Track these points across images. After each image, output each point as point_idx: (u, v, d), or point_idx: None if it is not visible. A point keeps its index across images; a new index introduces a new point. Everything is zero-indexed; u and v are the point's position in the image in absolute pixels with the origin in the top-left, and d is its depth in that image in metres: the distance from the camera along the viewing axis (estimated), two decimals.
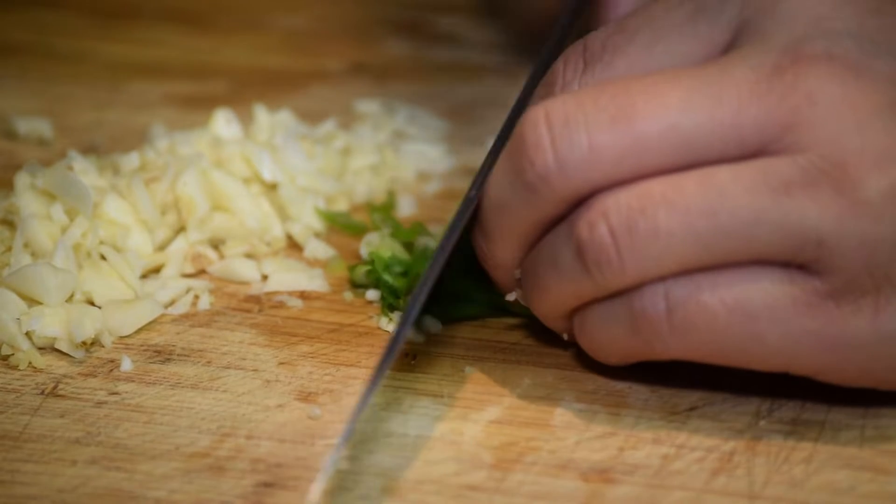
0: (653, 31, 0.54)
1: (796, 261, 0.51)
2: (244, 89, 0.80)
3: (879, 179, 0.50)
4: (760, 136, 0.51)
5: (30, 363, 0.59)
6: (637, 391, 0.57)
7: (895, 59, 0.52)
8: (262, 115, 0.72)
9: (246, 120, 0.72)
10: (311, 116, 0.75)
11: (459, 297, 0.61)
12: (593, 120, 0.52)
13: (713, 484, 0.53)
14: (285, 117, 0.73)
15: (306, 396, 0.57)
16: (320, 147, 0.70)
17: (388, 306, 0.62)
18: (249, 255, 0.66)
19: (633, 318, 0.53)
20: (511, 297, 0.58)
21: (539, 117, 0.53)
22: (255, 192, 0.67)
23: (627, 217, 0.51)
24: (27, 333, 0.60)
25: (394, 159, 0.72)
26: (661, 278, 0.52)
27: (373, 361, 0.59)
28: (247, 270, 0.65)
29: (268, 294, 0.64)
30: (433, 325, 0.60)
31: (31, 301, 0.60)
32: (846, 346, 0.52)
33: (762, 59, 0.52)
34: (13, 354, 0.59)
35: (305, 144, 0.69)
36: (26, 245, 0.62)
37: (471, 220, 0.57)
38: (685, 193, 0.51)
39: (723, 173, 0.51)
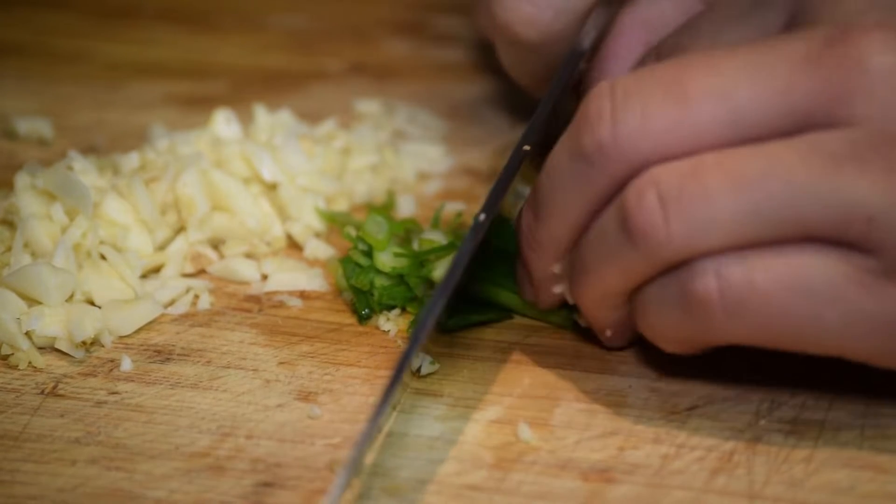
0: (715, 25, 0.55)
1: (846, 238, 0.50)
2: (244, 89, 0.80)
3: None
4: (812, 107, 0.51)
5: (30, 363, 0.59)
6: (637, 391, 0.57)
7: None
8: (262, 115, 0.72)
9: (246, 120, 0.72)
10: (311, 116, 0.75)
11: (486, 302, 0.61)
12: (648, 91, 0.52)
13: (713, 483, 0.53)
14: (285, 117, 0.73)
15: (306, 396, 0.57)
16: (320, 147, 0.70)
17: (360, 311, 0.62)
18: (249, 255, 0.66)
19: (686, 300, 0.52)
20: (557, 289, 0.57)
21: (604, 90, 0.53)
22: (255, 192, 0.67)
23: (679, 182, 0.51)
24: (27, 333, 0.60)
25: (394, 159, 0.72)
26: (711, 253, 0.51)
27: (373, 361, 0.59)
28: (247, 270, 0.65)
29: (268, 294, 0.64)
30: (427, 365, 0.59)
31: (31, 301, 0.61)
32: None
33: (815, 32, 0.52)
34: (13, 354, 0.59)
35: (305, 144, 0.69)
36: (26, 245, 0.62)
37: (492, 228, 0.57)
38: (738, 161, 0.51)
39: (775, 146, 0.51)
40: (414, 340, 0.54)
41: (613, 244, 0.53)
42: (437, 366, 0.58)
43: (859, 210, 0.50)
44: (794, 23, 0.54)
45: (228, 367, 0.59)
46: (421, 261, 0.62)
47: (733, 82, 0.51)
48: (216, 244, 0.66)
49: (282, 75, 0.82)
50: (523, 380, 0.58)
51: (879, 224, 0.50)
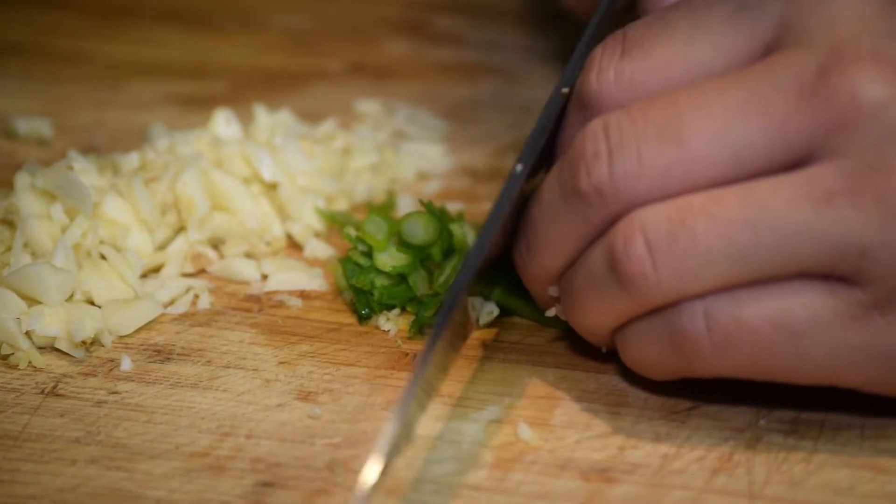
0: (694, 23, 0.54)
1: (837, 272, 0.50)
2: (244, 89, 0.80)
3: None
4: (807, 141, 0.51)
5: (30, 363, 0.59)
6: (637, 390, 0.57)
7: None
8: (261, 115, 0.72)
9: (246, 120, 0.72)
10: (310, 116, 0.75)
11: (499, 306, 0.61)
12: (642, 132, 0.52)
13: (713, 483, 0.53)
14: (285, 117, 0.73)
15: (306, 396, 0.57)
16: (320, 147, 0.70)
17: (360, 311, 0.62)
18: (249, 255, 0.66)
19: (673, 338, 0.52)
20: (551, 313, 0.58)
21: (598, 129, 0.53)
22: (255, 192, 0.67)
23: (666, 230, 0.51)
24: (27, 333, 0.60)
25: (394, 159, 0.72)
26: (699, 295, 0.52)
27: (373, 361, 0.59)
28: (247, 270, 0.65)
29: (268, 294, 0.64)
30: (486, 311, 0.59)
31: (31, 301, 0.60)
32: (893, 357, 0.51)
33: (807, 61, 0.51)
34: (13, 354, 0.59)
35: (305, 144, 0.69)
36: (26, 245, 0.62)
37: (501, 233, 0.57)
38: (725, 206, 0.51)
39: (764, 186, 0.51)
40: (454, 295, 0.54)
41: (601, 284, 0.53)
42: (495, 313, 0.59)
43: (852, 244, 0.50)
44: (781, 40, 0.53)
45: (228, 367, 0.59)
46: (421, 260, 0.62)
47: (727, 122, 0.51)
48: (216, 244, 0.66)
49: (282, 75, 0.82)
50: (523, 380, 0.58)
51: (872, 257, 0.50)
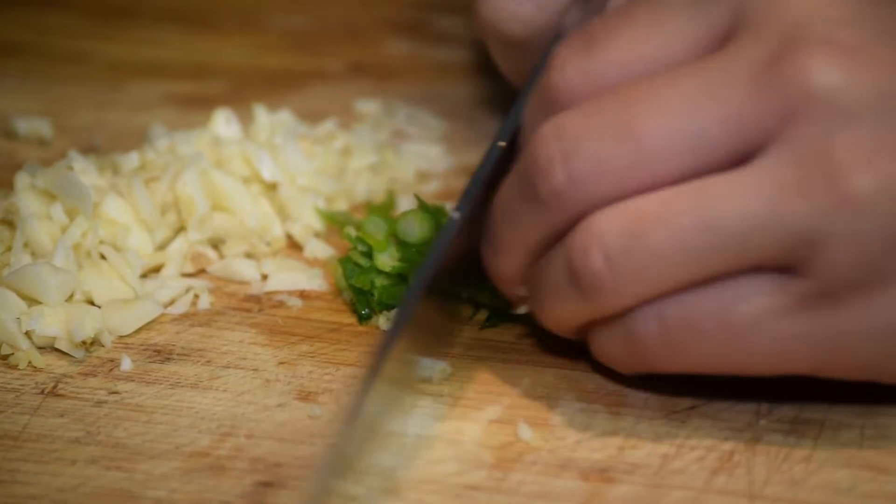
0: (652, 16, 0.54)
1: (788, 264, 0.51)
2: (244, 89, 0.80)
3: (868, 173, 0.50)
4: (762, 130, 0.51)
5: (29, 363, 0.59)
6: (637, 390, 0.57)
7: (893, 47, 0.51)
8: (261, 115, 0.72)
9: (246, 120, 0.72)
10: (310, 116, 0.75)
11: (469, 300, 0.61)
12: (598, 133, 0.52)
13: (713, 483, 0.53)
14: (285, 117, 0.73)
15: (306, 396, 0.57)
16: (320, 147, 0.70)
17: (360, 311, 0.62)
18: (249, 255, 0.66)
19: (629, 340, 0.53)
20: (521, 310, 0.58)
21: (549, 133, 0.53)
22: (255, 192, 0.67)
23: (623, 242, 0.51)
24: (27, 333, 0.60)
25: (393, 159, 0.72)
26: (654, 299, 0.52)
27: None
28: (247, 270, 0.65)
29: (268, 294, 0.64)
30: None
31: (31, 301, 0.61)
32: (838, 344, 0.52)
33: (759, 49, 0.51)
34: (13, 354, 0.59)
35: (305, 144, 0.69)
36: (26, 245, 0.62)
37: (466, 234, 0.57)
38: (679, 211, 0.51)
39: (717, 186, 0.51)
40: (391, 335, 0.54)
41: (564, 292, 0.54)
42: (448, 371, 0.58)
43: (802, 235, 0.50)
44: (736, 28, 0.53)
45: (228, 367, 0.59)
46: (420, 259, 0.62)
47: (682, 115, 0.51)
48: (216, 244, 0.66)
49: (282, 75, 0.82)
50: (523, 380, 0.58)
51: (819, 246, 0.50)
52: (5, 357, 0.60)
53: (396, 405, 0.56)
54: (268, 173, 0.67)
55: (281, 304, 0.63)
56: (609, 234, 0.52)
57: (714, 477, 0.53)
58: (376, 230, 0.63)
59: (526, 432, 0.55)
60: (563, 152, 0.52)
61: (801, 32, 0.51)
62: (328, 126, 0.73)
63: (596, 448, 0.54)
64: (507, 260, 0.56)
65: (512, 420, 0.56)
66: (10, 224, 0.64)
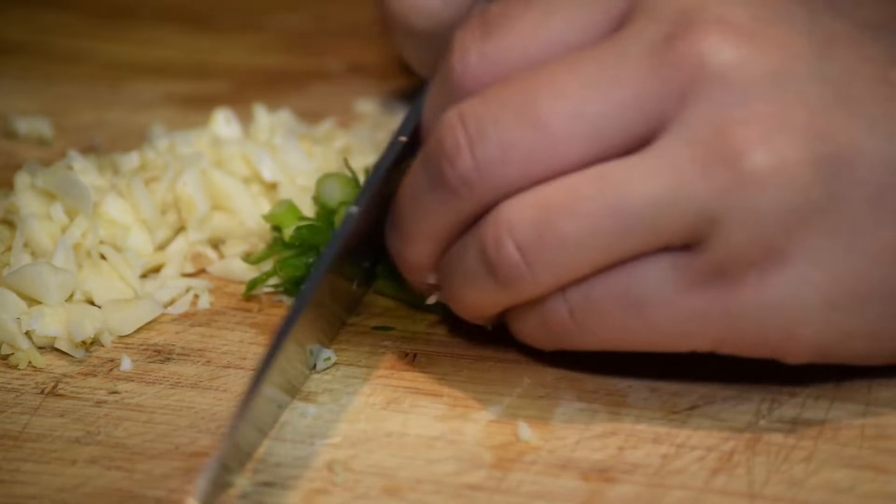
0: (549, 0, 0.54)
1: (690, 241, 0.52)
2: (244, 89, 0.80)
3: (763, 150, 0.50)
4: (660, 110, 0.51)
5: (29, 363, 0.59)
6: (637, 390, 0.57)
7: (786, 28, 0.52)
8: (261, 115, 0.72)
9: (246, 120, 0.72)
10: (310, 116, 0.75)
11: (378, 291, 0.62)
12: (501, 118, 0.52)
13: (713, 483, 0.53)
14: (285, 117, 0.73)
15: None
16: (320, 147, 0.70)
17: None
18: (249, 255, 0.66)
19: (543, 322, 0.54)
20: (432, 300, 0.58)
21: (454, 119, 0.53)
22: (255, 192, 0.67)
23: (533, 231, 0.52)
24: (27, 333, 0.60)
25: None
26: (567, 285, 0.53)
27: (373, 361, 0.59)
28: (247, 270, 0.65)
29: (268, 294, 0.64)
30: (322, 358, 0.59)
31: (31, 301, 0.61)
32: (735, 319, 0.52)
33: (655, 30, 0.52)
34: (13, 354, 0.59)
35: (305, 144, 0.69)
36: (26, 245, 0.62)
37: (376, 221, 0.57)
38: (584, 198, 0.51)
39: (618, 170, 0.51)
40: (281, 332, 0.54)
41: (479, 281, 0.54)
42: (332, 360, 0.58)
43: (702, 212, 0.51)
44: (632, 10, 0.53)
45: (228, 367, 0.59)
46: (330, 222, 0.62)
47: (583, 98, 0.52)
48: (216, 244, 0.66)
49: (282, 75, 0.82)
50: (523, 380, 0.58)
51: (717, 222, 0.51)
52: (5, 357, 0.60)
53: (287, 394, 0.56)
54: (268, 173, 0.67)
55: (281, 305, 0.63)
56: (519, 224, 0.52)
57: (714, 477, 0.53)
58: (330, 194, 0.64)
59: (526, 432, 0.55)
60: (469, 138, 0.53)
61: (695, 13, 0.52)
62: (327, 126, 0.73)
63: (596, 448, 0.54)
64: (415, 249, 0.56)
65: (512, 420, 0.56)
66: (10, 224, 0.64)
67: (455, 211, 0.54)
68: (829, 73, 0.52)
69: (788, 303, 0.52)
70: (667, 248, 0.52)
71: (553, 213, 0.52)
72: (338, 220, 0.62)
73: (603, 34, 0.53)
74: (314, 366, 0.58)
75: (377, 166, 0.58)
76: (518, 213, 0.52)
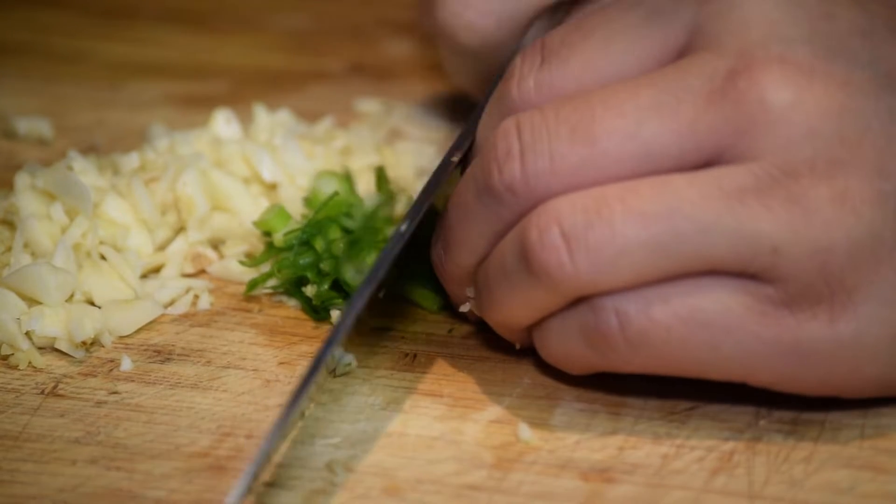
0: (609, 30, 0.55)
1: (750, 270, 0.51)
2: (244, 89, 0.80)
3: (829, 187, 0.51)
4: (716, 143, 0.52)
5: (30, 363, 0.59)
6: (637, 391, 0.57)
7: (847, 64, 0.52)
8: (261, 115, 0.72)
9: (246, 120, 0.72)
10: (310, 116, 0.75)
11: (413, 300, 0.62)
12: (555, 131, 0.52)
13: (713, 483, 0.53)
14: (285, 117, 0.73)
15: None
16: (320, 147, 0.70)
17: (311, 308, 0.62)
18: (249, 256, 0.66)
19: (587, 334, 0.53)
20: (464, 308, 0.58)
21: (510, 127, 0.53)
22: (255, 192, 0.67)
23: (582, 219, 0.51)
24: (27, 333, 0.60)
25: (393, 158, 0.72)
26: (612, 291, 0.52)
27: (373, 361, 0.59)
28: (246, 270, 0.65)
29: (267, 294, 0.64)
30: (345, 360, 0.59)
31: (31, 301, 0.61)
32: (802, 355, 0.52)
33: (717, 64, 0.52)
34: (13, 354, 0.59)
35: (305, 144, 0.69)
36: (26, 245, 0.62)
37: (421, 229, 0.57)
38: (641, 196, 0.51)
39: (678, 179, 0.51)
40: (329, 343, 0.54)
41: (515, 277, 0.54)
42: (353, 365, 0.58)
43: (764, 242, 0.51)
44: (692, 44, 0.53)
45: (228, 367, 0.59)
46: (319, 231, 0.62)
47: (638, 121, 0.52)
48: (216, 244, 0.66)
49: (282, 75, 0.82)
50: (523, 380, 0.58)
51: (783, 255, 0.51)
52: (5, 357, 0.60)
53: (311, 401, 0.56)
54: (268, 173, 0.67)
55: (281, 305, 0.63)
56: (568, 212, 0.52)
57: (714, 477, 0.53)
58: (327, 188, 0.64)
59: (526, 432, 0.55)
60: (522, 146, 0.53)
61: (757, 51, 0.52)
62: (325, 124, 0.73)
63: (596, 448, 0.54)
64: (457, 257, 0.56)
65: (512, 420, 0.56)
66: (10, 224, 0.64)
67: (497, 217, 0.54)
68: (893, 107, 0.52)
69: (860, 340, 0.52)
70: (728, 273, 0.51)
71: (606, 205, 0.51)
72: (328, 211, 0.63)
73: (659, 66, 0.54)
74: (334, 370, 0.58)
75: (427, 186, 0.58)
76: (569, 203, 0.52)
